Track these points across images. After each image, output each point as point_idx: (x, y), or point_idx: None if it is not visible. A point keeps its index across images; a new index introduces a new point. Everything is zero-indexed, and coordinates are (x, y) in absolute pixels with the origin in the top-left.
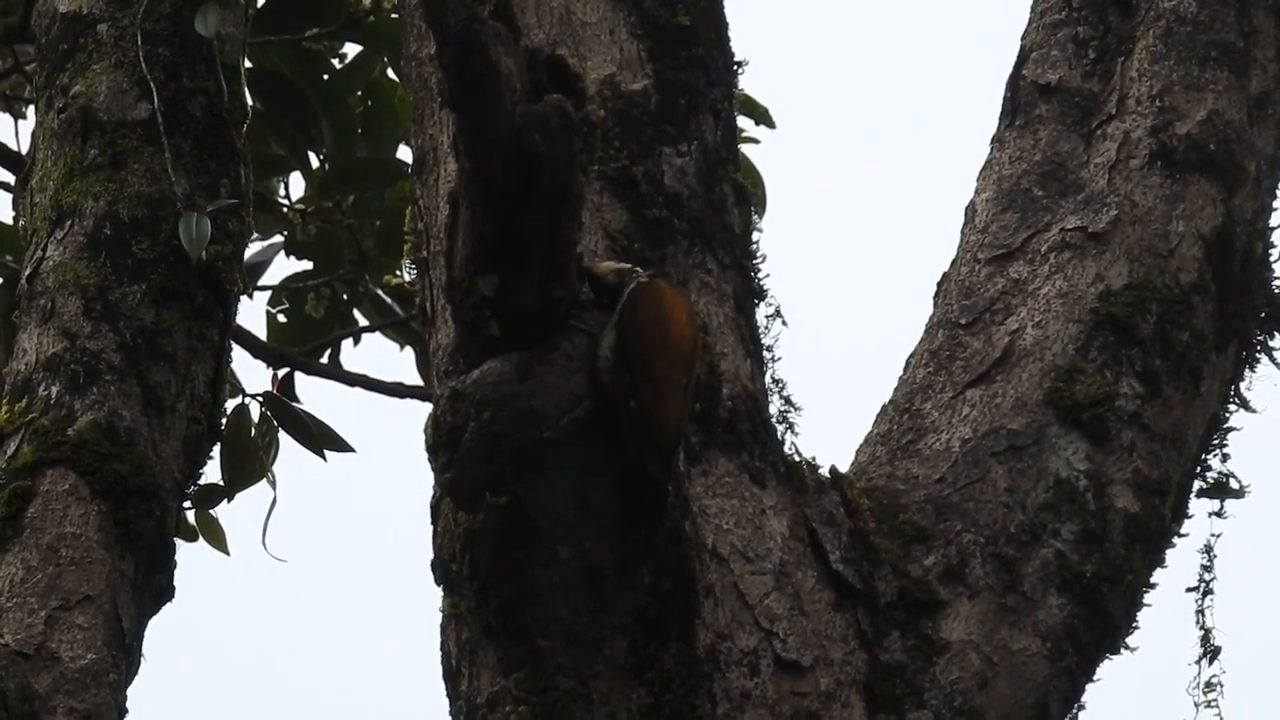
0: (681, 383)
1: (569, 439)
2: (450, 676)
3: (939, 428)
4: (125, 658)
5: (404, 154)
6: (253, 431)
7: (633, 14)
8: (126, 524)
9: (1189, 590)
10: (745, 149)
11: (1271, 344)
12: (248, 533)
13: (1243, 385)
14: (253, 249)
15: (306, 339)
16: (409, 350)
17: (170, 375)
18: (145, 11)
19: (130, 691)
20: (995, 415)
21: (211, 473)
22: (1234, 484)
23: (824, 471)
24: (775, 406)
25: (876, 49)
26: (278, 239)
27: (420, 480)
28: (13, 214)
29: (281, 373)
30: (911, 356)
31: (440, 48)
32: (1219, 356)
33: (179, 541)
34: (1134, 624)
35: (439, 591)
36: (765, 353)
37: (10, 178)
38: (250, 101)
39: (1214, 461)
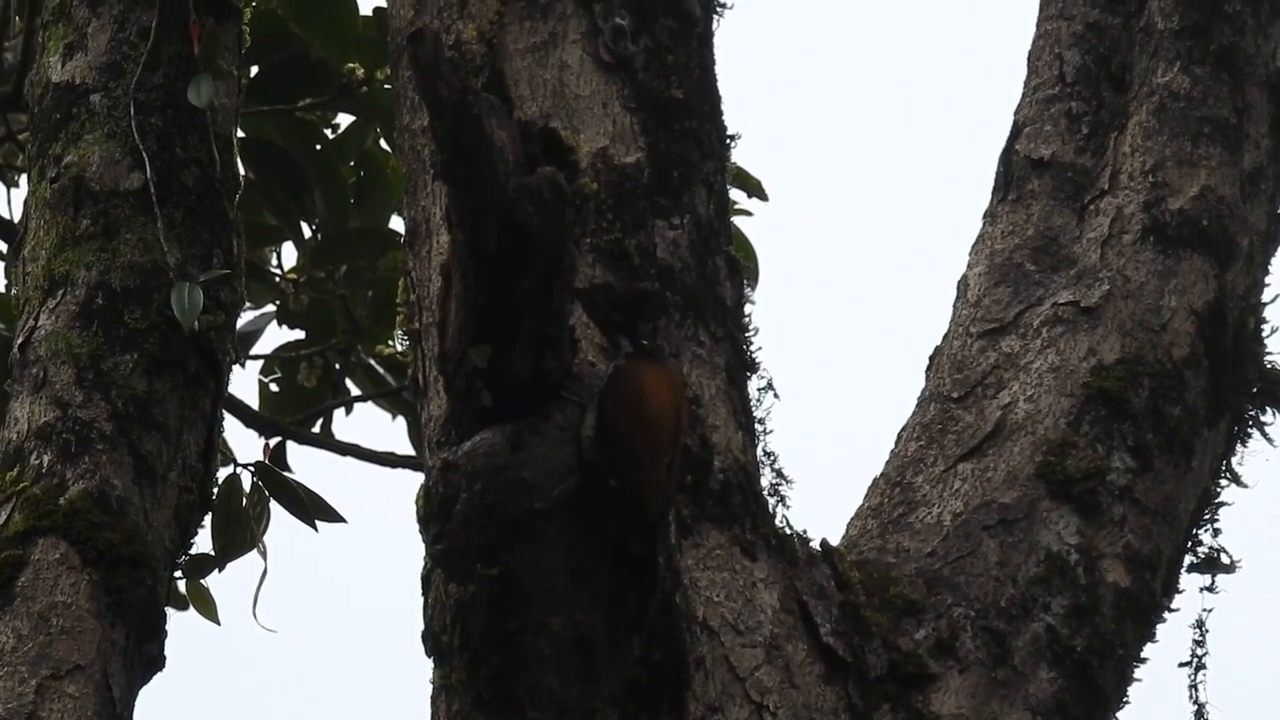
0: (664, 461)
1: (560, 510)
2: None
3: (930, 501)
4: None
5: (396, 224)
6: (244, 501)
7: (626, 87)
8: (117, 593)
9: (1181, 665)
10: (738, 221)
11: (1263, 419)
12: (238, 602)
13: (1234, 460)
14: (245, 318)
15: (299, 408)
16: (401, 420)
17: (162, 444)
18: (138, 82)
19: None
20: (987, 489)
21: (203, 542)
22: (1225, 559)
23: (815, 544)
24: (767, 479)
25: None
26: (270, 308)
27: (412, 551)
28: (5, 282)
29: (273, 442)
30: (903, 430)
31: (433, 119)
32: (1211, 431)
33: (170, 610)
34: (1125, 698)
35: (430, 663)
36: (757, 425)
37: (3, 246)
38: (243, 171)
39: (1205, 536)
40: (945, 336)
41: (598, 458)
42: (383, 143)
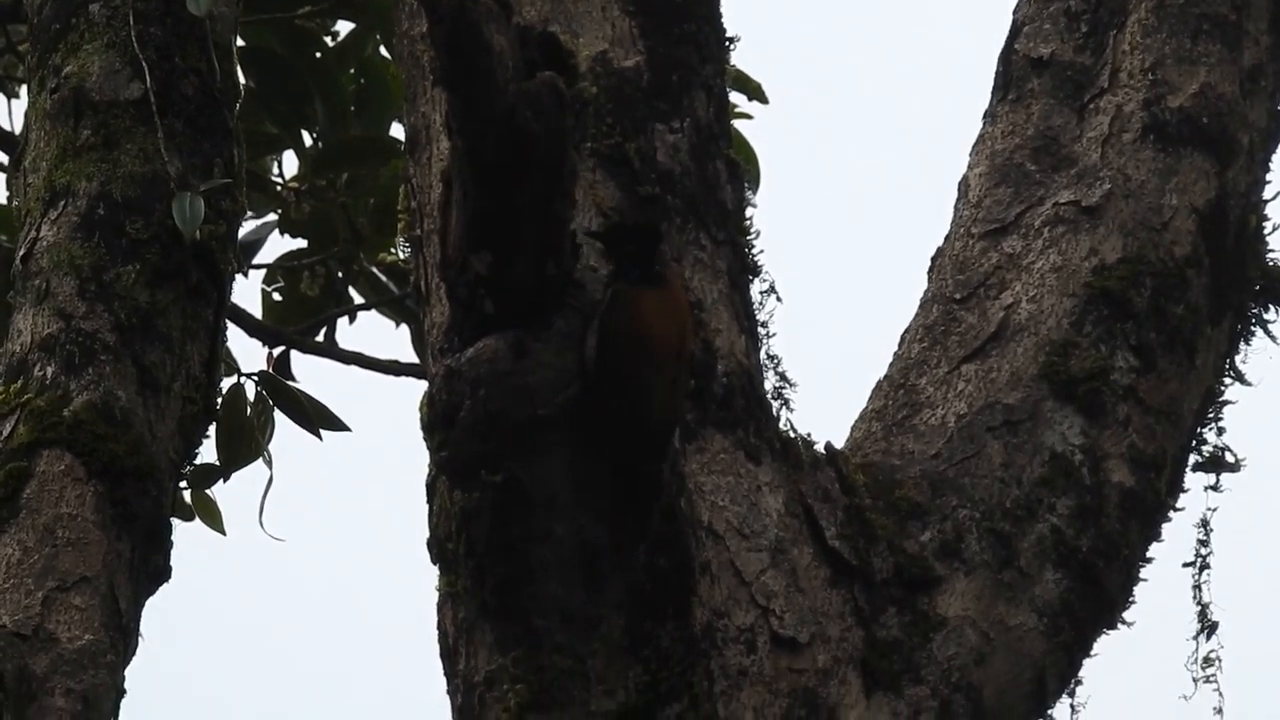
0: (667, 379)
1: (564, 417)
2: (447, 655)
3: (934, 403)
4: (123, 638)
5: (397, 132)
6: (248, 411)
7: None
8: (123, 504)
9: (1185, 565)
10: (738, 125)
11: (1266, 317)
12: (244, 512)
13: (1237, 358)
14: (247, 228)
15: (302, 317)
16: (404, 328)
17: (165, 355)
18: None
19: (128, 672)
20: (990, 390)
21: (207, 452)
22: (1230, 458)
23: (819, 448)
24: (770, 383)
25: (868, 21)
26: (272, 217)
27: (417, 458)
28: (6, 194)
29: (277, 351)
30: (906, 332)
31: (432, 25)
32: (1213, 330)
33: (175, 521)
34: (1130, 599)
35: (436, 570)
36: (760, 329)
37: (3, 158)
38: (243, 80)
39: (1209, 435)
40: (947, 237)
41: (599, 380)
42: (383, 50)
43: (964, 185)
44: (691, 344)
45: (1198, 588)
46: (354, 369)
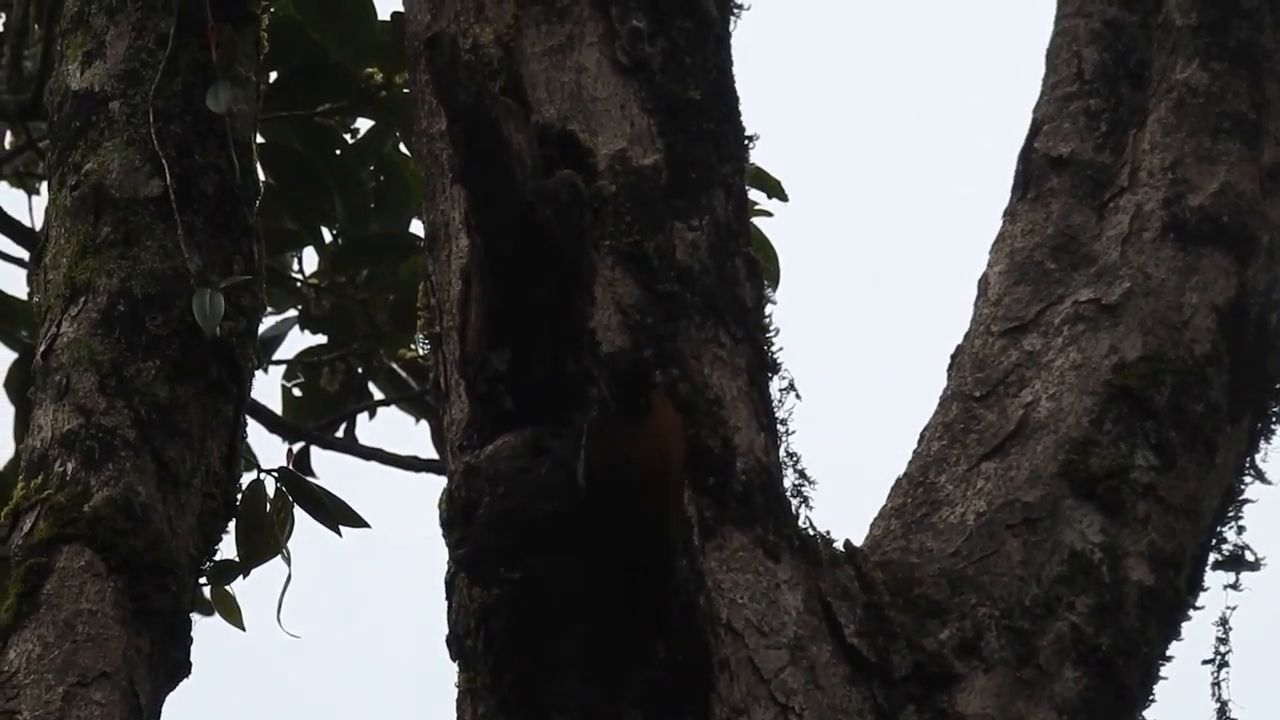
0: (653, 507)
1: (581, 513)
2: None
3: (953, 501)
4: None
5: (417, 228)
6: (268, 506)
7: (643, 89)
8: (142, 600)
9: (1205, 663)
10: (757, 222)
11: None
12: (263, 608)
13: (1258, 456)
14: (267, 324)
15: (321, 413)
16: (424, 423)
17: (185, 451)
18: (157, 89)
19: None
20: (1010, 488)
21: (227, 548)
22: (1249, 556)
23: (838, 545)
24: (789, 480)
25: (889, 123)
26: (292, 313)
27: (435, 555)
28: (27, 290)
29: (297, 447)
30: (926, 429)
31: (451, 123)
32: (1234, 428)
33: (195, 616)
34: (1150, 697)
35: (455, 667)
36: (779, 426)
37: (24, 254)
38: (262, 177)
39: (1229, 534)
40: (966, 335)
41: (590, 505)
42: (402, 147)
43: (984, 283)
44: (677, 463)
45: (1216, 685)
46: (373, 464)
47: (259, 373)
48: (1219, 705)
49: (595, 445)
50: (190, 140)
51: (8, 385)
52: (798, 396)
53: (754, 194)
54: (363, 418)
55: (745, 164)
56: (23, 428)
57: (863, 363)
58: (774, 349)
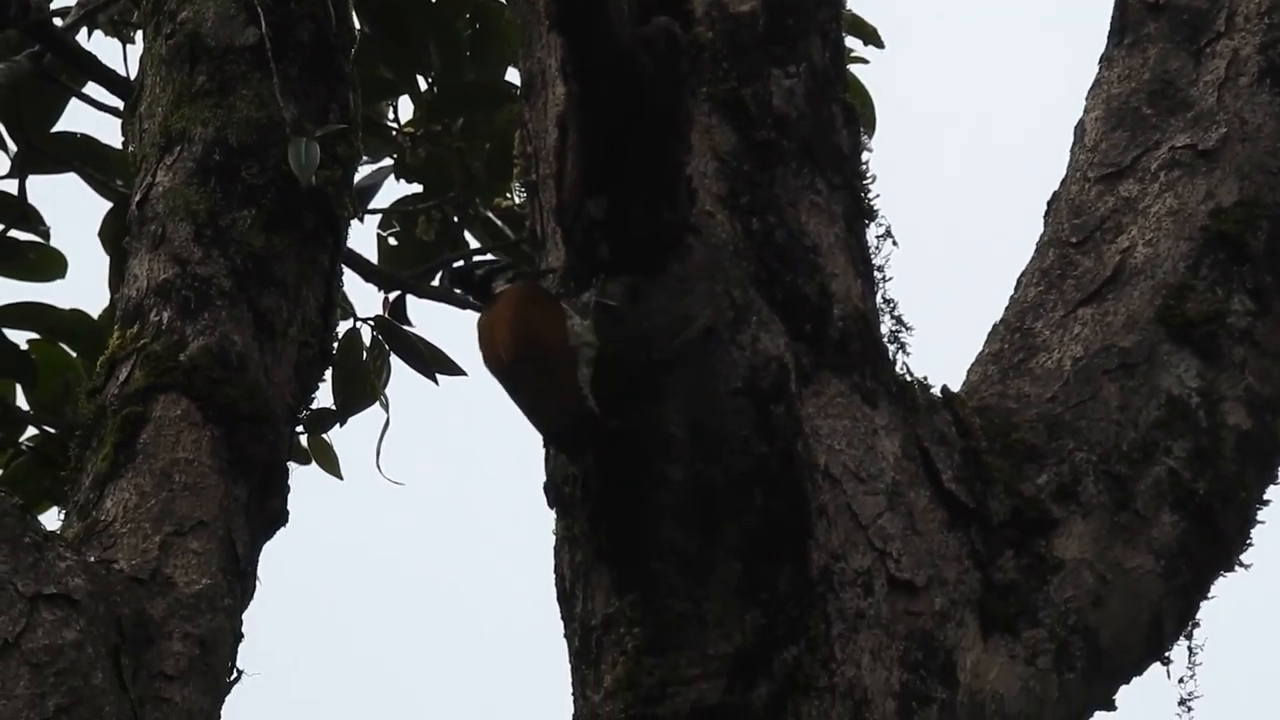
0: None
1: (679, 361)
2: (564, 599)
3: (1050, 346)
4: (240, 582)
5: (512, 76)
6: (364, 355)
7: None
8: (239, 449)
9: None
10: (853, 69)
11: None
12: (361, 457)
13: None
14: (362, 173)
15: (417, 262)
16: None
17: (281, 300)
18: None
19: (245, 616)
20: (1107, 333)
21: (324, 397)
22: None
23: (935, 391)
24: (886, 326)
25: None
26: (387, 162)
27: None
28: (122, 140)
29: (392, 296)
30: (1023, 275)
31: None
32: None
33: (292, 465)
34: (1248, 541)
35: (552, 513)
36: (876, 273)
37: (119, 103)
38: (358, 26)
39: None
40: (1063, 181)
41: None
42: None
43: (1080, 130)
44: (500, 351)
45: None
46: (469, 313)
47: (355, 221)
48: None
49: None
50: None
51: (103, 235)
52: (894, 243)
53: (850, 41)
54: (448, 276)
55: (842, 10)
56: (118, 277)
57: (959, 209)
58: (871, 195)
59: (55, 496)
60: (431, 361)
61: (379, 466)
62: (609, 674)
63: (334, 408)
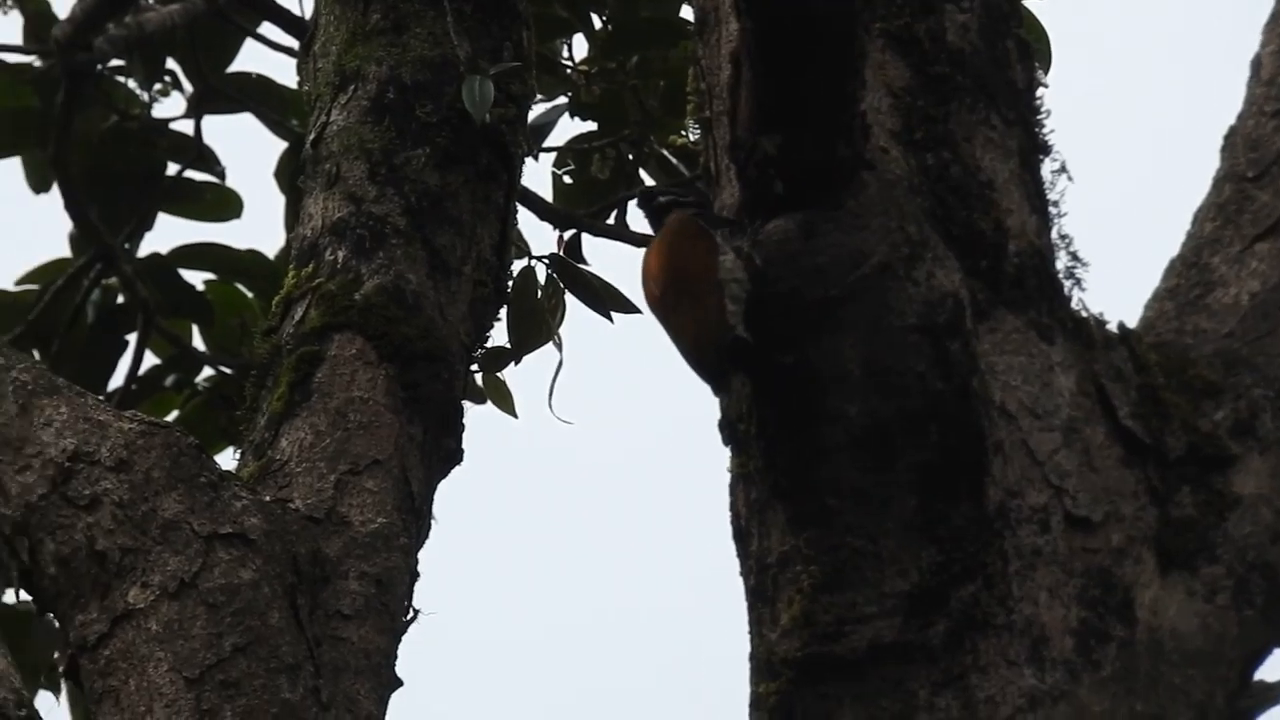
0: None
1: (855, 297)
2: (740, 536)
3: (1227, 282)
4: (415, 521)
5: (686, 13)
6: (539, 293)
7: None
8: (414, 388)
9: None
10: (1028, 4)
11: None
12: (536, 395)
13: None
14: (537, 111)
15: (592, 200)
16: None
17: (456, 238)
18: None
19: (421, 555)
20: None
21: (499, 335)
22: None
23: (1112, 327)
24: (1062, 262)
25: None
26: (561, 100)
27: None
28: (296, 79)
29: (568, 234)
30: (1199, 211)
31: None
32: None
33: (467, 404)
34: None
35: (727, 451)
36: (1051, 208)
37: (293, 43)
38: None
39: None
40: (1240, 116)
41: None
42: None
43: (1256, 64)
44: (651, 283)
45: None
46: (644, 251)
47: (529, 160)
48: None
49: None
50: None
51: (278, 174)
52: (1069, 178)
53: None
54: (633, 204)
55: None
56: (293, 216)
57: (1135, 143)
58: (1045, 131)
59: (231, 436)
60: (606, 299)
61: (551, 406)
62: (785, 612)
63: (509, 346)
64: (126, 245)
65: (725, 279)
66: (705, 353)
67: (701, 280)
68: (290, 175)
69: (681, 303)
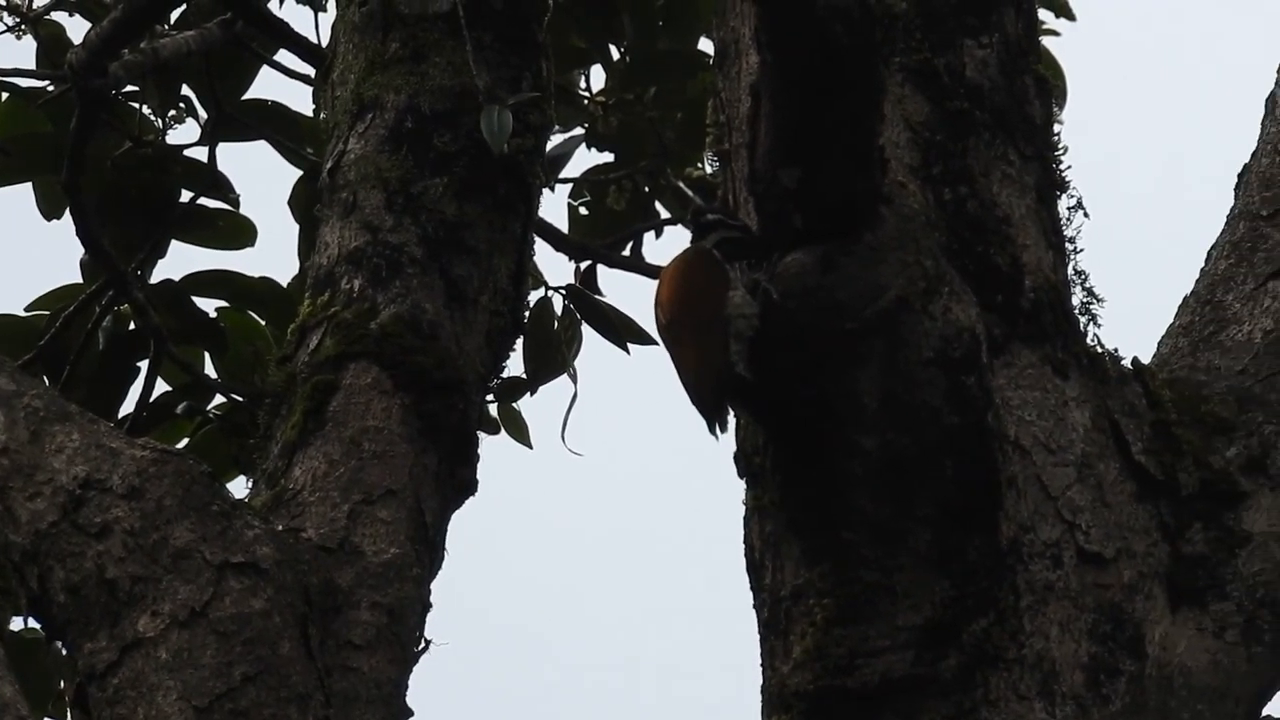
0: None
1: (872, 331)
2: (754, 569)
3: (1241, 319)
4: (429, 551)
5: (705, 45)
6: (555, 324)
7: None
8: (430, 417)
9: None
10: (1046, 41)
11: None
12: (551, 425)
13: None
14: (554, 141)
15: (608, 231)
16: None
17: (473, 268)
18: None
19: (434, 585)
20: None
21: (515, 366)
22: None
23: (1126, 363)
24: (1077, 298)
25: None
26: (579, 131)
27: None
28: (313, 107)
29: (584, 265)
30: (1213, 248)
31: None
32: None
33: (482, 434)
34: None
35: (742, 484)
36: (1067, 244)
37: (311, 70)
38: None
39: None
40: (1254, 154)
41: None
42: None
43: (1271, 102)
44: (659, 309)
45: None
46: None
47: (546, 190)
48: None
49: None
50: None
51: (293, 202)
52: (1086, 214)
53: (1042, 13)
54: (649, 236)
55: None
56: (307, 245)
57: (1150, 180)
58: (1063, 167)
59: (243, 465)
60: (622, 330)
61: (564, 437)
62: (798, 645)
63: (525, 376)
64: (139, 272)
65: (733, 314)
66: (704, 387)
67: (709, 314)
68: (304, 203)
69: (687, 334)
